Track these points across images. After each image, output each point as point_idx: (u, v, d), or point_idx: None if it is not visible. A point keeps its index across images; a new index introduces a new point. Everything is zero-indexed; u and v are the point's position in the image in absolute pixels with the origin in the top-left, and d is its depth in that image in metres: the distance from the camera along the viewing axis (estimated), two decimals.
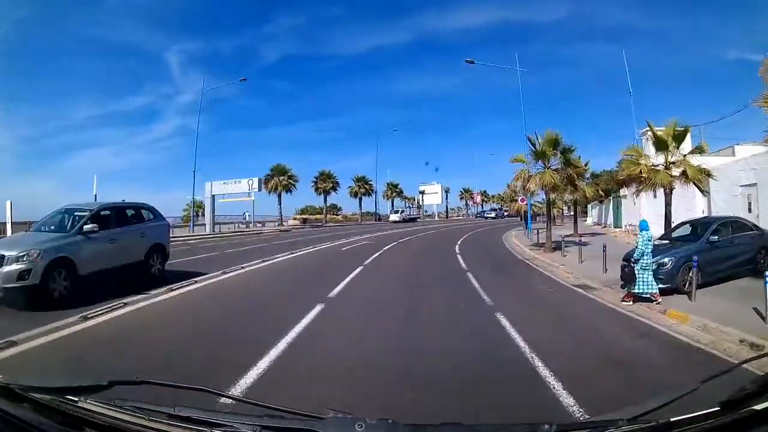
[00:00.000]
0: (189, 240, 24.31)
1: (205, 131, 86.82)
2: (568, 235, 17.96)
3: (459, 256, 14.99)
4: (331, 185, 52.00)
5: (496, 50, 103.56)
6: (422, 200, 72.09)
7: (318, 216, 54.72)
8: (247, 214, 39.20)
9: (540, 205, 27.81)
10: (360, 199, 57.56)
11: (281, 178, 45.07)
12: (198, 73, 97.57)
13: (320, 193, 51.84)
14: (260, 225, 40.93)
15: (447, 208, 78.47)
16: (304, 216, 54.15)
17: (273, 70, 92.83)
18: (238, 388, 3.72)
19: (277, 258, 14.28)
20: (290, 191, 46.11)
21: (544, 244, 16.65)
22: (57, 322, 5.84)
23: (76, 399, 1.09)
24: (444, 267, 12.74)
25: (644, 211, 17.98)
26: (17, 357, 4.63)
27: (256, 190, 34.15)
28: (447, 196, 76.96)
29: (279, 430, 1.02)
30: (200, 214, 45.50)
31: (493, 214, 66.14)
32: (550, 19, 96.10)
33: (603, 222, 31.58)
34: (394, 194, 66.82)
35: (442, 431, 1.09)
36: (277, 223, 43.01)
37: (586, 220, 39.41)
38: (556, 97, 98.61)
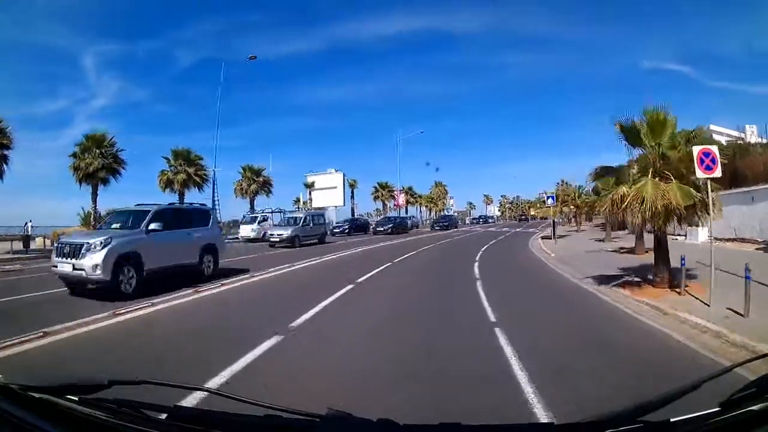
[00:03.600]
0: None
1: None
2: None
3: None
4: (105, 166, 23.76)
5: (411, 58, 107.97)
6: (311, 199, 44.10)
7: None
8: (29, 224, 22.64)
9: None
10: (181, 195, 29.16)
11: None
12: (113, 78, 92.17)
13: (83, 180, 23.73)
14: None
15: (353, 212, 49.45)
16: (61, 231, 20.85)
17: (184, 76, 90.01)
18: None
19: None
20: None
21: None
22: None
23: (76, 398, 1.10)
24: None
25: None
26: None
27: None
28: (353, 192, 51.08)
29: (279, 429, 1.03)
30: None
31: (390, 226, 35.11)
32: (465, 30, 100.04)
33: None
34: (254, 185, 36.82)
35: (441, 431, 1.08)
36: None
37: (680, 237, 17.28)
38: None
